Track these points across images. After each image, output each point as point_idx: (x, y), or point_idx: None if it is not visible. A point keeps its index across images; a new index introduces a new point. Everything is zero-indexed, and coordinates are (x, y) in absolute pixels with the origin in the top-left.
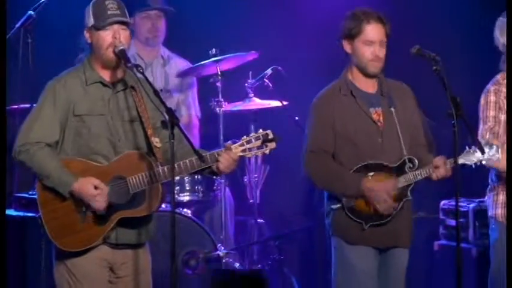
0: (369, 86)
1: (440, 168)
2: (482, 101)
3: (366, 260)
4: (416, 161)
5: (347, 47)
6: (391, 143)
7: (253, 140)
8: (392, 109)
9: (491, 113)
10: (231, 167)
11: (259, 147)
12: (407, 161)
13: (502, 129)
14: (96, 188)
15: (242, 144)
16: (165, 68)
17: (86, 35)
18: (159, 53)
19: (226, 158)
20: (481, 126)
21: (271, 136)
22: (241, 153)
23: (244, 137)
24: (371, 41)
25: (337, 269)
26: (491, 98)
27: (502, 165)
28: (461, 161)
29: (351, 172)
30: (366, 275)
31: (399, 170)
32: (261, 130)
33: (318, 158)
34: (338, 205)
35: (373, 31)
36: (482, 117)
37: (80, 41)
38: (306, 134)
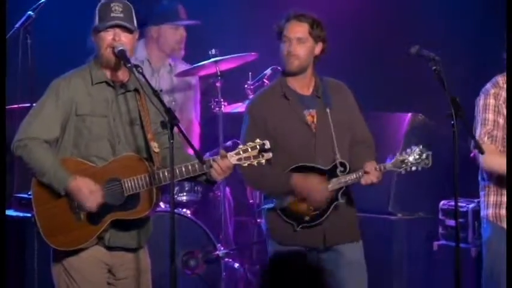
0: (304, 87)
1: (370, 174)
2: (481, 101)
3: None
4: (348, 165)
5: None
6: (324, 146)
7: (249, 149)
8: (327, 110)
9: (490, 116)
10: (224, 174)
11: (255, 157)
12: (338, 164)
13: (500, 133)
14: (90, 190)
15: (238, 153)
16: (171, 75)
17: (91, 35)
18: (167, 61)
19: (220, 165)
20: (478, 128)
21: (267, 146)
22: (236, 162)
23: (241, 145)
24: (287, 37)
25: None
26: (491, 101)
27: None
28: (388, 167)
29: (282, 172)
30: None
31: (331, 173)
32: (258, 140)
33: None
34: (271, 205)
35: (290, 28)
36: (481, 119)
37: (88, 42)
38: (240, 137)
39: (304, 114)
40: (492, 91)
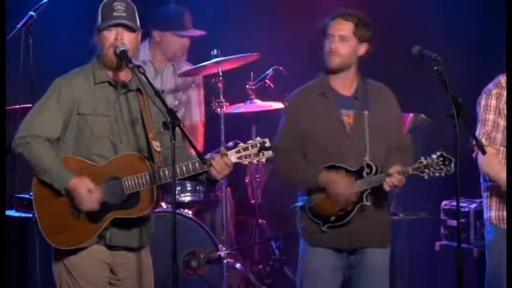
0: (345, 88)
1: (393, 177)
2: (482, 101)
3: (322, 261)
4: (375, 167)
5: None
6: (357, 147)
7: (250, 148)
8: (365, 112)
9: (491, 117)
10: (223, 172)
11: (255, 155)
12: (365, 166)
13: (500, 135)
14: (89, 190)
15: (238, 151)
16: (175, 77)
17: (94, 35)
18: (170, 62)
19: (220, 163)
20: (478, 128)
21: (268, 144)
22: (237, 160)
23: (241, 144)
24: (331, 34)
25: (300, 267)
26: (492, 102)
27: None
28: (412, 171)
29: (313, 167)
30: (320, 276)
31: (357, 174)
32: (258, 138)
33: (283, 157)
34: (301, 204)
35: (334, 26)
36: (481, 119)
37: (91, 42)
38: (278, 129)
39: (340, 114)
40: (494, 91)
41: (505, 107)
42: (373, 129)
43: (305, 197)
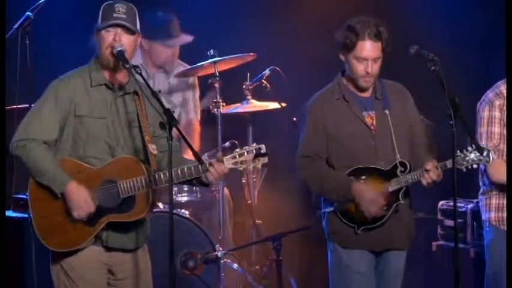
0: (363, 90)
1: (431, 172)
2: (486, 112)
3: (361, 263)
4: (408, 165)
5: (342, 56)
6: (384, 146)
7: (245, 154)
8: (386, 111)
9: (496, 129)
10: (219, 178)
11: (251, 161)
12: (399, 164)
13: (503, 145)
14: (84, 200)
15: (234, 157)
16: (169, 80)
17: (94, 35)
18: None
19: (217, 169)
20: (484, 141)
21: (263, 150)
22: (232, 166)
23: (237, 150)
24: (364, 58)
25: (334, 272)
26: (496, 114)
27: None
28: (450, 164)
29: (343, 175)
30: (361, 277)
31: (391, 174)
32: (254, 144)
33: (311, 163)
34: (331, 208)
35: (367, 48)
36: (487, 131)
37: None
38: (300, 138)
39: (363, 116)
40: (497, 103)
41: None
42: (397, 127)
43: (335, 204)
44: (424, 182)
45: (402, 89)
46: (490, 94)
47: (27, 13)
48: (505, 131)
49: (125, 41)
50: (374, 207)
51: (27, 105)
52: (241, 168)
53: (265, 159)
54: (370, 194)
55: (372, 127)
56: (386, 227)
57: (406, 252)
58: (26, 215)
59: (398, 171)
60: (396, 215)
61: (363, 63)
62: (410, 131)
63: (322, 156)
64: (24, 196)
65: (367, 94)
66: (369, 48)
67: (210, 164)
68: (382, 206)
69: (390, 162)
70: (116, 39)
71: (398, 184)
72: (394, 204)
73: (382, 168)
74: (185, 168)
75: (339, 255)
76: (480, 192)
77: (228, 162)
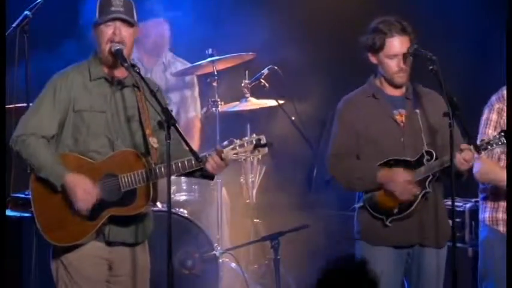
0: (395, 90)
1: (463, 152)
2: (484, 115)
3: (386, 261)
4: (435, 154)
5: (372, 59)
6: (413, 142)
7: (245, 144)
8: (417, 111)
9: (490, 131)
10: (219, 169)
11: (251, 152)
12: (425, 153)
13: (498, 149)
14: (85, 189)
15: (234, 148)
16: (166, 74)
17: (92, 30)
18: (160, 59)
19: (216, 160)
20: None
21: (263, 141)
22: (233, 157)
23: (237, 140)
24: (394, 55)
25: None
26: (493, 117)
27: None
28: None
29: (370, 164)
30: (385, 276)
31: (418, 163)
32: (254, 135)
33: (341, 161)
34: (361, 203)
35: (396, 44)
36: (481, 132)
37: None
38: (331, 138)
39: (393, 113)
40: (496, 106)
41: (505, 121)
42: (427, 127)
43: (363, 197)
44: (457, 162)
45: (436, 94)
46: (493, 97)
47: (26, 12)
48: None
49: (125, 34)
50: (404, 190)
51: (25, 105)
52: (242, 160)
53: (265, 150)
54: (397, 177)
55: (401, 124)
56: (416, 218)
57: (445, 249)
58: (25, 214)
59: (424, 160)
60: (425, 205)
61: (394, 59)
62: (441, 131)
63: (351, 154)
64: (22, 195)
65: (398, 93)
66: (397, 44)
67: (209, 156)
68: (409, 189)
69: (417, 155)
70: (116, 32)
71: (425, 172)
72: (422, 192)
73: (409, 159)
74: (185, 161)
75: (365, 254)
76: (479, 190)
77: (229, 154)
